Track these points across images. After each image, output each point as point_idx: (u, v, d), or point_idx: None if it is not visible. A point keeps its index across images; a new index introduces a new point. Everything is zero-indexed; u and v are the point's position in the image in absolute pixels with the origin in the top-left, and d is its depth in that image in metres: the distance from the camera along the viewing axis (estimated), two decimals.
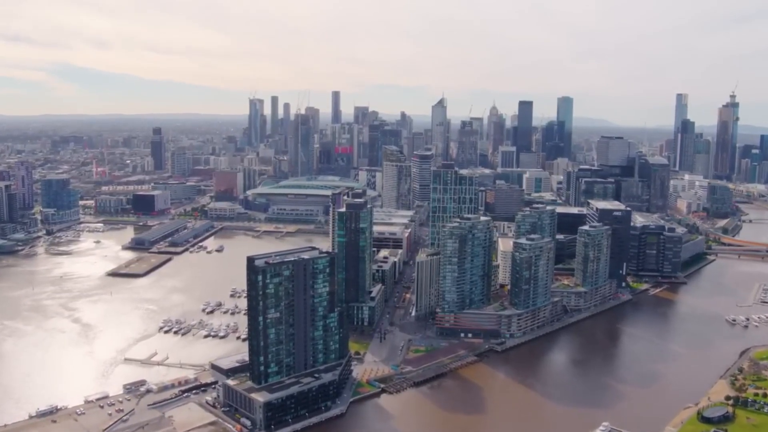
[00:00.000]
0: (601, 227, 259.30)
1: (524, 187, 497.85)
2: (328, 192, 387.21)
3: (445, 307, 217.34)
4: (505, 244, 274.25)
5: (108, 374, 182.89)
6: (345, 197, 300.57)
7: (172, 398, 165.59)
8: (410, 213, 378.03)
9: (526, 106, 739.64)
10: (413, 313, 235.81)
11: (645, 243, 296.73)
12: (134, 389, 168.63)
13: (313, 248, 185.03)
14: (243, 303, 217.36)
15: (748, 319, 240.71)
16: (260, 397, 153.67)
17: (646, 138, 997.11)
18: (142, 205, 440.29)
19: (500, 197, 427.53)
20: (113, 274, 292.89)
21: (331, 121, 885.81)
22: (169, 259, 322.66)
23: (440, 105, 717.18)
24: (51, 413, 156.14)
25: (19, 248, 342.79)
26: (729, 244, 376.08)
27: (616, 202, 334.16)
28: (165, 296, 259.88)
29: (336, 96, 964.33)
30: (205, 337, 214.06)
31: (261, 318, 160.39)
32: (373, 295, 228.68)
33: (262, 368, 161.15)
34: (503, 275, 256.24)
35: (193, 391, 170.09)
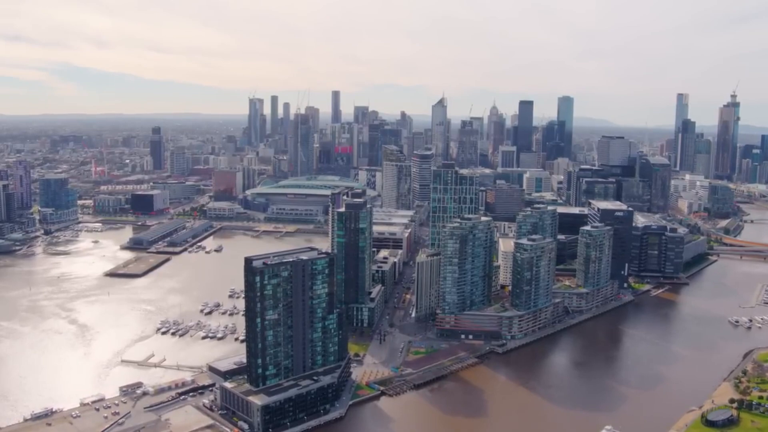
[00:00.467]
0: (603, 227, 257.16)
1: (525, 187, 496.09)
2: (328, 192, 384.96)
3: (445, 308, 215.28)
4: (505, 245, 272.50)
5: (104, 376, 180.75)
6: (344, 197, 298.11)
7: (168, 401, 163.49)
8: (410, 213, 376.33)
9: (526, 106, 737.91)
10: (413, 315, 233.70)
11: (647, 243, 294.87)
12: (131, 392, 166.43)
13: (312, 249, 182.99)
14: (242, 304, 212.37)
15: (751, 321, 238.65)
16: (258, 400, 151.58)
17: (647, 138, 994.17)
18: (141, 204, 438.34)
19: (501, 197, 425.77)
20: (111, 274, 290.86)
21: (330, 120, 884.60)
22: (167, 259, 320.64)
23: (440, 104, 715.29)
24: (46, 416, 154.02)
25: (17, 248, 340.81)
26: (731, 245, 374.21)
27: (618, 203, 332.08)
28: (163, 297, 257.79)
29: (336, 95, 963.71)
30: (203, 338, 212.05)
31: (259, 320, 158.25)
32: (372, 296, 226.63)
33: (259, 371, 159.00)
34: (504, 276, 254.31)
35: (190, 394, 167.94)
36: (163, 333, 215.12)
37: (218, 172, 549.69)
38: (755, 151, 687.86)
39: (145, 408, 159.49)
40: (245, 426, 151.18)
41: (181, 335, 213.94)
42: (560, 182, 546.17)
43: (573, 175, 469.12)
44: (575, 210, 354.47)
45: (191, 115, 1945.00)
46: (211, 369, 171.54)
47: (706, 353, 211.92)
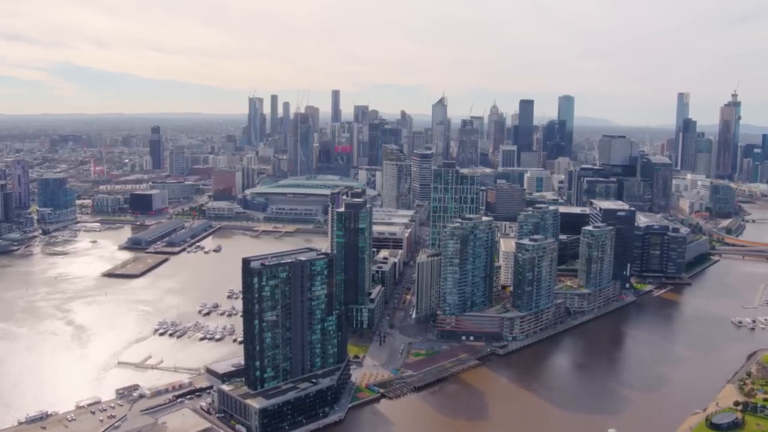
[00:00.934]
0: (605, 227, 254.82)
1: (525, 186, 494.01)
2: (328, 191, 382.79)
3: (446, 309, 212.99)
4: (506, 245, 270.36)
5: (101, 378, 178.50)
6: (344, 197, 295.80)
7: (165, 404, 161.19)
8: (410, 213, 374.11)
9: (526, 105, 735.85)
10: (413, 316, 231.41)
11: (649, 243, 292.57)
12: (127, 394, 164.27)
13: (311, 249, 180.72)
14: (240, 304, 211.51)
15: (754, 321, 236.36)
16: (256, 404, 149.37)
17: (648, 137, 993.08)
18: (140, 204, 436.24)
19: (501, 197, 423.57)
20: (109, 274, 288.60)
21: (330, 120, 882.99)
22: (165, 260, 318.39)
23: (440, 104, 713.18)
24: (41, 419, 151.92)
25: (15, 248, 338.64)
26: (733, 245, 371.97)
27: (620, 202, 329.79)
28: (161, 297, 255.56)
29: (336, 95, 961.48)
30: (201, 339, 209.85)
31: (257, 321, 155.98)
32: (372, 296, 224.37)
33: (257, 373, 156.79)
34: (505, 276, 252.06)
35: (188, 397, 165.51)
36: (161, 334, 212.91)
37: (217, 171, 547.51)
38: (756, 150, 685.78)
39: (141, 411, 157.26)
40: (243, 429, 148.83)
41: (178, 336, 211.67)
42: (561, 182, 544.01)
43: (574, 175, 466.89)
44: (577, 210, 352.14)
45: (191, 115, 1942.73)
46: (209, 371, 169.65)
47: (709, 355, 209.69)
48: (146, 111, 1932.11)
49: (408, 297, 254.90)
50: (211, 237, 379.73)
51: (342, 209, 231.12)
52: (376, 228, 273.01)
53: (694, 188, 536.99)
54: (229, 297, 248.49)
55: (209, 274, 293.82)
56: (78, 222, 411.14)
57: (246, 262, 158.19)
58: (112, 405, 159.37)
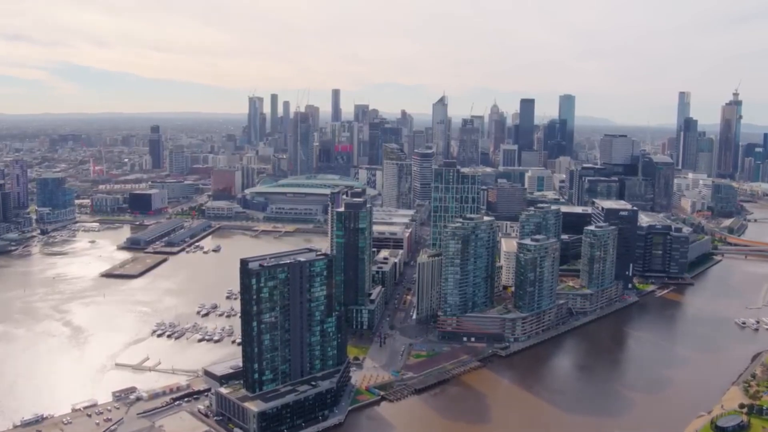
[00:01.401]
0: (607, 227, 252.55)
1: (526, 185, 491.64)
2: (328, 191, 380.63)
3: (447, 310, 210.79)
4: (508, 245, 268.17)
5: (97, 380, 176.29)
6: (344, 196, 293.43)
7: (162, 406, 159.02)
8: (411, 212, 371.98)
9: (527, 104, 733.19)
10: (414, 316, 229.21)
11: (651, 243, 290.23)
12: (124, 397, 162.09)
13: (310, 250, 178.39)
14: (239, 305, 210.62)
15: (758, 322, 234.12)
16: (254, 407, 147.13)
17: (649, 136, 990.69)
18: (139, 204, 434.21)
19: (502, 196, 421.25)
20: (107, 275, 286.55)
21: (331, 119, 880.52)
22: (164, 260, 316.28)
23: (441, 103, 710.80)
24: (37, 422, 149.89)
25: (13, 248, 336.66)
26: (735, 244, 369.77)
27: (622, 202, 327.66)
28: (159, 298, 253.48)
29: (336, 94, 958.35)
30: (200, 341, 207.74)
31: (255, 323, 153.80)
32: (372, 297, 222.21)
33: (256, 376, 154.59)
34: (507, 277, 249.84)
35: (185, 399, 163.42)
36: (159, 335, 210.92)
37: (217, 171, 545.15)
38: (758, 149, 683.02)
39: (138, 414, 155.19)
40: None
41: (177, 338, 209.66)
42: (562, 181, 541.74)
43: (575, 174, 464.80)
44: (578, 209, 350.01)
45: (191, 114, 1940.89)
46: (207, 373, 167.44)
47: (713, 356, 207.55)
48: (146, 110, 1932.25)
49: (408, 298, 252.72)
50: (210, 237, 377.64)
51: (342, 209, 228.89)
52: (376, 228, 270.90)
53: (696, 188, 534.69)
54: (228, 298, 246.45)
55: (208, 275, 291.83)
56: (77, 222, 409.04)
57: (244, 262, 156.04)
58: (109, 408, 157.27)
